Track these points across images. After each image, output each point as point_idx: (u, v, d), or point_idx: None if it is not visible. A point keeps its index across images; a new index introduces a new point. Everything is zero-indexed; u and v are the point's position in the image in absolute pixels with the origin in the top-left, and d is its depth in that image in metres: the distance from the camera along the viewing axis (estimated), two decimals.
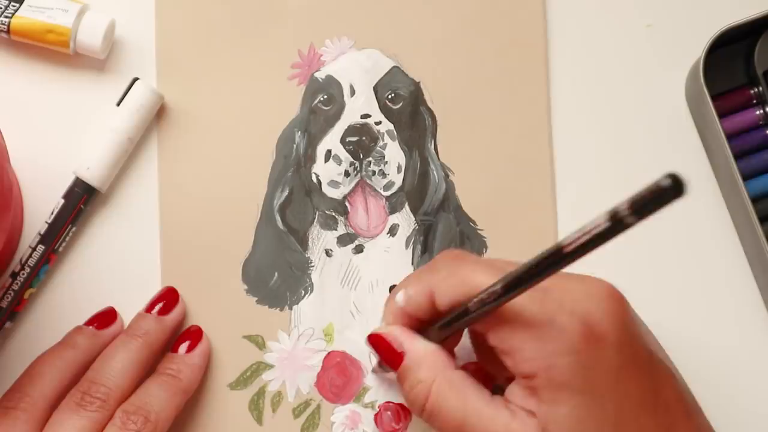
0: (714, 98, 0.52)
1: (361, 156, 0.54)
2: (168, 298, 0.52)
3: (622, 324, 0.42)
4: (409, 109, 0.55)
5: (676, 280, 0.54)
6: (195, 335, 0.52)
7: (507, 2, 0.56)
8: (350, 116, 0.55)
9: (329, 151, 0.54)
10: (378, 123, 0.54)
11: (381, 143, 0.54)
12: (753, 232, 0.52)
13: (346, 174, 0.54)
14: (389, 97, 0.55)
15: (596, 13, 0.56)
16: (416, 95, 0.55)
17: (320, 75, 0.55)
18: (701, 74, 0.52)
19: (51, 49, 0.54)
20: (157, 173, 0.54)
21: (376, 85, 0.55)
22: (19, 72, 0.55)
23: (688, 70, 0.55)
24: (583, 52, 0.56)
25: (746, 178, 0.53)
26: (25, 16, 0.53)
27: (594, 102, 0.55)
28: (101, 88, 0.55)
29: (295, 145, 0.55)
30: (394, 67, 0.55)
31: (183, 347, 0.52)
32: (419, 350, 0.46)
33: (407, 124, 0.55)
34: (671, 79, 0.56)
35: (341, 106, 0.55)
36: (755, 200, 0.52)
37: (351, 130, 0.54)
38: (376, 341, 0.47)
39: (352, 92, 0.55)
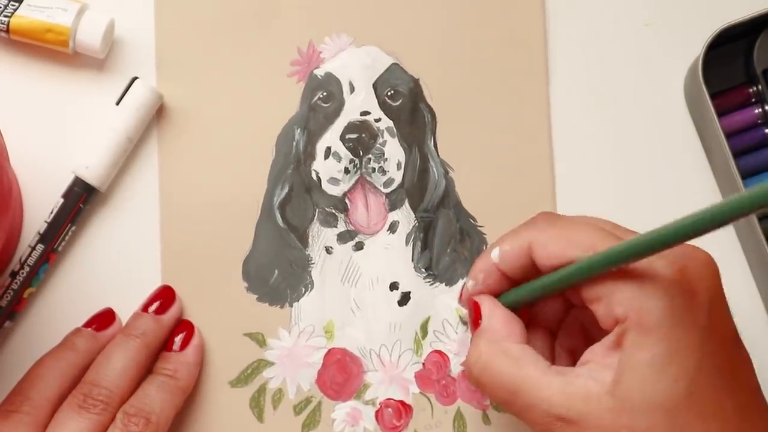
0: (713, 97, 0.52)
1: (361, 153, 0.54)
2: (164, 297, 0.52)
3: (716, 290, 0.41)
4: (408, 106, 0.55)
5: None
6: (187, 327, 0.52)
7: (504, 2, 0.56)
8: (350, 113, 0.55)
9: (329, 149, 0.54)
10: (377, 120, 0.54)
11: (381, 140, 0.54)
12: (752, 231, 0.52)
13: (346, 171, 0.54)
14: (389, 94, 0.55)
15: (596, 12, 0.56)
16: (416, 92, 0.55)
17: (319, 72, 0.55)
18: (700, 73, 0.52)
19: (50, 48, 0.54)
20: (157, 172, 0.54)
21: (375, 82, 0.55)
22: (19, 71, 0.55)
23: (687, 68, 0.55)
24: (582, 50, 0.56)
25: (745, 176, 0.53)
26: (25, 16, 0.53)
27: (593, 100, 0.56)
28: (101, 88, 0.55)
29: (294, 143, 0.55)
30: (393, 63, 0.55)
31: (177, 342, 0.52)
32: (493, 320, 0.45)
33: (407, 121, 0.55)
34: (670, 77, 0.56)
35: (341, 103, 0.55)
36: None
37: (350, 127, 0.54)
38: (470, 307, 0.47)
39: (352, 89, 0.55)
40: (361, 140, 0.54)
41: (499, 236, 0.47)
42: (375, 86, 0.55)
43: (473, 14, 0.55)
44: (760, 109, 0.55)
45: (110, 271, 0.54)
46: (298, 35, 0.55)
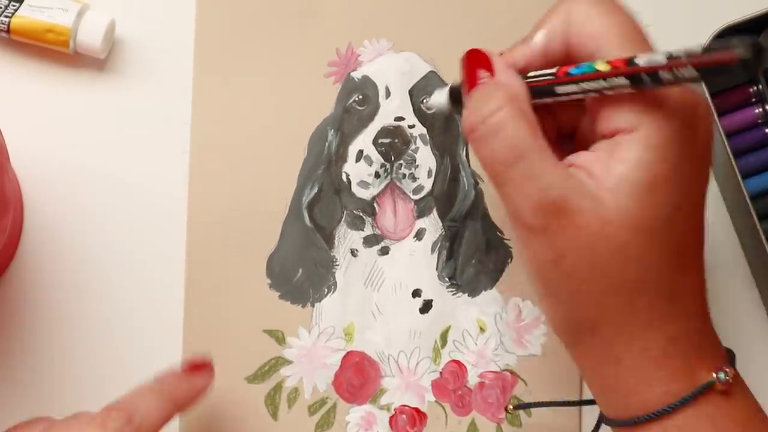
0: (713, 96, 0.52)
1: (393, 158, 0.54)
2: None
3: (711, 125, 0.41)
4: (443, 114, 0.55)
5: None
6: (208, 368, 0.50)
7: (544, 11, 0.56)
8: (384, 118, 0.55)
9: (361, 152, 0.54)
10: (411, 126, 0.55)
11: (413, 147, 0.54)
12: (752, 230, 0.52)
13: (377, 175, 0.54)
14: (424, 101, 0.55)
15: None
16: None
17: (357, 75, 0.55)
18: None
19: (51, 48, 0.54)
20: (188, 164, 0.54)
21: (411, 88, 0.55)
22: (19, 72, 0.55)
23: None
24: None
25: (746, 176, 0.53)
26: (25, 16, 0.53)
27: None
28: (101, 88, 0.55)
29: (327, 143, 0.55)
30: (430, 71, 0.55)
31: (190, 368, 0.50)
32: (511, 78, 0.42)
33: (440, 129, 0.55)
34: None
35: (376, 107, 0.55)
36: (754, 198, 0.53)
37: (384, 131, 0.54)
38: (472, 55, 0.43)
39: (388, 94, 0.55)
40: (393, 145, 0.54)
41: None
42: (411, 92, 0.55)
43: (512, 28, 0.55)
44: (761, 109, 0.55)
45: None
46: (337, 37, 0.55)
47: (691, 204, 0.41)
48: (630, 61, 0.38)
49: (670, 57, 0.37)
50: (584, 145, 0.42)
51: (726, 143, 0.51)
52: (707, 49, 0.36)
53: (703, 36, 0.52)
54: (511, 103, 0.40)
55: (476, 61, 0.42)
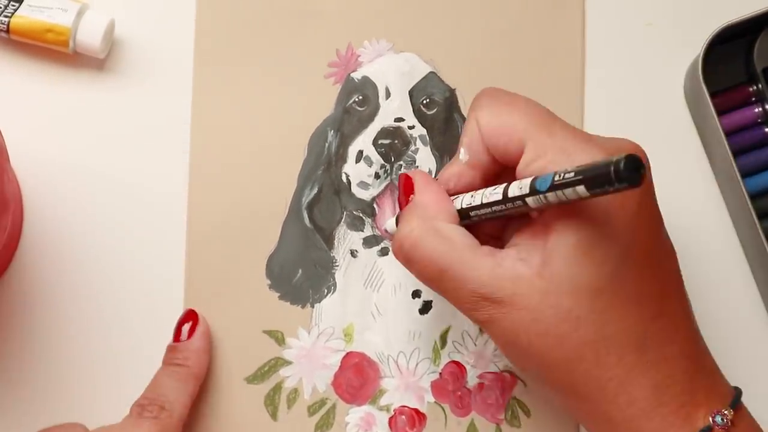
0: (713, 96, 0.52)
1: (392, 159, 0.54)
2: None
3: (647, 178, 0.42)
4: (443, 115, 0.55)
5: None
6: (192, 316, 0.52)
7: (545, 13, 0.56)
8: (384, 118, 0.55)
9: (361, 152, 0.54)
10: (411, 127, 0.55)
11: (413, 147, 0.54)
12: (752, 229, 0.52)
13: (377, 176, 0.54)
14: (424, 102, 0.55)
15: (596, 12, 0.56)
16: (451, 102, 0.55)
17: (357, 75, 0.55)
18: (700, 72, 0.52)
19: (50, 48, 0.54)
20: (188, 164, 0.54)
21: (411, 89, 0.55)
22: (19, 71, 0.55)
23: (687, 67, 0.55)
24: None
25: (745, 175, 0.53)
26: (25, 16, 0.53)
27: (593, 99, 0.56)
28: (101, 88, 0.55)
29: (327, 144, 0.55)
30: (430, 72, 0.55)
31: (184, 332, 0.52)
32: (425, 196, 0.45)
33: (440, 130, 0.55)
34: (670, 76, 0.56)
35: (376, 108, 0.55)
36: (754, 197, 0.53)
37: (384, 132, 0.54)
38: (401, 181, 0.46)
39: (388, 95, 0.55)
40: (393, 146, 0.54)
41: None
42: (411, 93, 0.55)
43: (513, 28, 0.56)
44: (760, 108, 0.55)
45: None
46: (337, 37, 0.55)
47: (639, 254, 0.41)
48: (522, 200, 0.40)
49: (553, 185, 0.38)
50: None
51: (726, 143, 0.51)
52: (587, 169, 0.37)
53: (702, 36, 0.52)
54: (423, 222, 0.43)
55: (405, 186, 0.46)
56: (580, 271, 0.40)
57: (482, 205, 0.43)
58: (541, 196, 0.39)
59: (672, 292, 0.42)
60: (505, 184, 0.42)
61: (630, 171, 0.35)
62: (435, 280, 0.43)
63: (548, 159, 0.41)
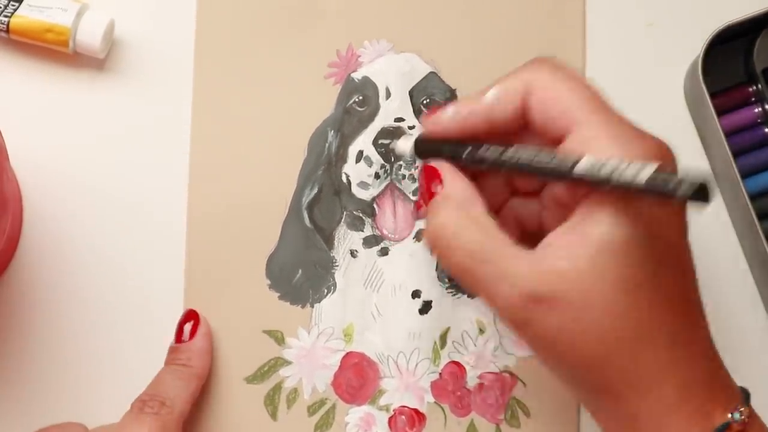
0: (713, 96, 0.53)
1: (392, 159, 0.54)
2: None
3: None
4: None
5: None
6: (193, 316, 0.52)
7: (546, 13, 0.56)
8: (384, 119, 0.55)
9: (361, 152, 0.54)
10: (411, 127, 0.55)
11: None
12: (752, 230, 0.52)
13: (377, 176, 0.54)
14: (424, 102, 0.55)
15: (596, 12, 0.56)
16: (451, 102, 0.55)
17: (357, 75, 0.55)
18: (700, 72, 0.52)
19: (50, 48, 0.54)
20: (188, 164, 0.54)
21: (412, 89, 0.55)
22: (19, 71, 0.55)
23: (687, 67, 0.55)
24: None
25: (745, 175, 0.53)
26: (25, 16, 0.53)
27: None
28: (100, 88, 0.55)
29: (327, 144, 0.55)
30: (431, 72, 0.55)
31: (186, 332, 0.52)
32: (457, 186, 0.43)
33: None
34: (670, 76, 0.56)
35: (376, 108, 0.55)
36: (754, 198, 0.53)
37: (384, 132, 0.54)
38: (425, 171, 0.45)
39: (388, 95, 0.55)
40: (393, 147, 0.54)
41: None
42: (411, 93, 0.55)
43: (513, 29, 0.56)
44: (760, 108, 0.55)
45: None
46: (337, 38, 0.55)
47: (674, 257, 0.41)
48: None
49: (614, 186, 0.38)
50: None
51: (726, 143, 0.51)
52: (652, 179, 0.37)
53: (703, 36, 0.52)
54: (459, 213, 0.42)
55: (430, 176, 0.44)
56: (625, 267, 0.39)
57: (528, 165, 0.41)
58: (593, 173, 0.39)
59: (694, 290, 0.42)
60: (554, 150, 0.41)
61: (699, 196, 0.36)
62: (471, 273, 0.41)
63: (602, 144, 0.40)
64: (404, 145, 0.47)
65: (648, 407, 0.41)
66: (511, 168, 0.42)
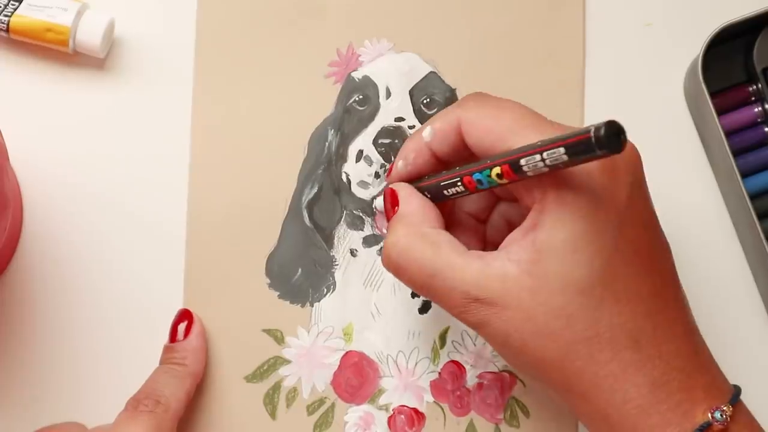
0: (713, 95, 0.53)
1: (393, 158, 0.54)
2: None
3: (638, 174, 0.42)
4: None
5: None
6: (187, 316, 0.53)
7: (546, 13, 0.56)
8: (384, 118, 0.55)
9: (361, 152, 0.54)
10: (411, 127, 0.55)
11: None
12: (752, 229, 0.52)
13: (377, 175, 0.54)
14: (424, 101, 0.55)
15: (597, 13, 0.56)
16: (452, 102, 0.55)
17: (357, 75, 0.55)
18: (700, 71, 0.52)
19: (50, 47, 0.54)
20: (188, 163, 0.54)
21: (412, 89, 0.55)
22: (19, 71, 0.55)
23: (687, 67, 0.55)
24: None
25: (745, 175, 0.54)
26: (25, 15, 0.53)
27: (593, 99, 0.56)
28: (101, 88, 0.55)
29: (327, 143, 0.55)
30: (431, 72, 0.55)
31: (180, 331, 0.52)
32: (409, 205, 0.46)
33: None
34: (670, 76, 0.56)
35: (376, 108, 0.55)
36: (754, 197, 0.53)
37: (384, 132, 0.55)
38: (386, 194, 0.47)
39: (388, 94, 0.55)
40: (393, 146, 0.54)
41: None
42: (411, 93, 0.55)
43: (513, 28, 0.56)
44: (760, 108, 0.55)
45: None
46: (338, 37, 0.56)
47: (630, 250, 0.41)
48: (515, 166, 0.40)
49: (540, 146, 0.39)
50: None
51: (726, 143, 0.51)
52: (566, 135, 0.38)
53: (702, 36, 0.52)
54: (409, 230, 0.44)
55: (390, 198, 0.47)
56: (570, 268, 0.40)
57: (458, 174, 0.44)
58: (523, 158, 0.40)
59: (667, 289, 0.42)
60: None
61: (610, 136, 0.36)
62: (425, 287, 0.44)
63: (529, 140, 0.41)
64: (379, 202, 0.51)
65: (617, 408, 0.41)
66: (442, 188, 0.45)
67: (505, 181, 0.41)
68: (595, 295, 0.40)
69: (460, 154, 0.45)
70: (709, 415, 0.40)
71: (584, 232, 0.40)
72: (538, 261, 0.40)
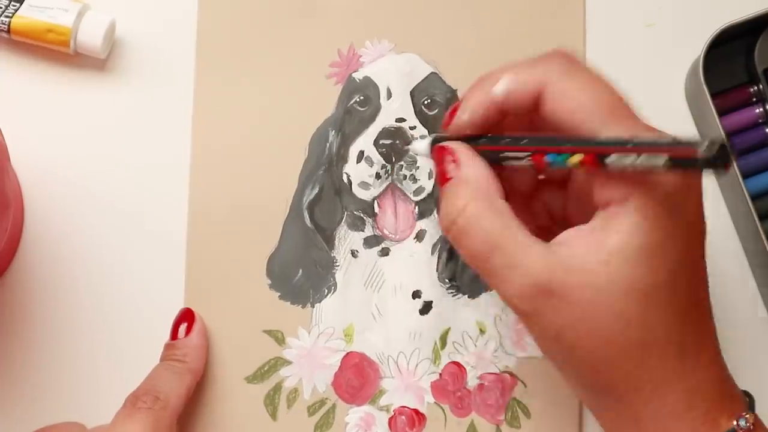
0: (714, 96, 0.53)
1: (393, 159, 0.54)
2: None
3: (701, 188, 0.41)
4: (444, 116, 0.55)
5: None
6: (188, 315, 0.52)
7: (546, 14, 0.56)
8: (385, 119, 0.55)
9: (362, 152, 0.54)
10: (412, 128, 0.55)
11: None
12: (753, 230, 0.52)
13: (377, 176, 0.54)
14: (425, 102, 0.55)
15: (597, 13, 0.56)
16: (452, 102, 0.55)
17: (358, 75, 0.55)
18: (701, 72, 0.52)
19: (51, 48, 0.54)
20: (188, 164, 0.54)
21: (413, 89, 0.55)
22: (20, 72, 0.55)
23: (688, 68, 0.55)
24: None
25: (746, 176, 0.54)
26: (26, 16, 0.53)
27: None
28: (101, 88, 0.55)
29: (328, 144, 0.55)
30: (432, 73, 0.55)
31: (181, 330, 0.52)
32: (476, 170, 0.42)
33: (441, 131, 0.55)
34: (671, 77, 0.56)
35: (377, 108, 0.55)
36: (755, 198, 0.53)
37: (385, 132, 0.54)
38: (440, 153, 0.44)
39: (389, 95, 0.55)
40: (394, 146, 0.54)
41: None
42: (412, 94, 0.55)
43: (514, 29, 0.56)
44: (761, 109, 0.55)
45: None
46: (339, 38, 0.56)
47: (689, 266, 0.41)
48: (602, 159, 0.39)
49: (637, 146, 0.38)
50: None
51: (727, 143, 0.51)
52: (673, 142, 0.37)
53: (703, 37, 0.52)
54: (477, 197, 0.41)
55: (446, 158, 0.43)
56: (639, 275, 0.39)
57: (530, 148, 0.41)
58: (615, 154, 0.38)
59: (706, 299, 0.43)
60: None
61: (719, 158, 0.36)
62: (484, 259, 0.41)
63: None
64: (420, 145, 0.46)
65: (651, 412, 0.41)
66: (529, 146, 0.41)
67: (580, 169, 0.40)
68: (655, 304, 0.40)
69: (528, 118, 0.42)
70: (734, 422, 0.40)
71: (658, 244, 0.39)
72: (608, 263, 0.39)
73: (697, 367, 0.41)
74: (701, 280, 0.42)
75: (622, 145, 0.38)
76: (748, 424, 0.40)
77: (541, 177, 0.47)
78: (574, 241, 0.40)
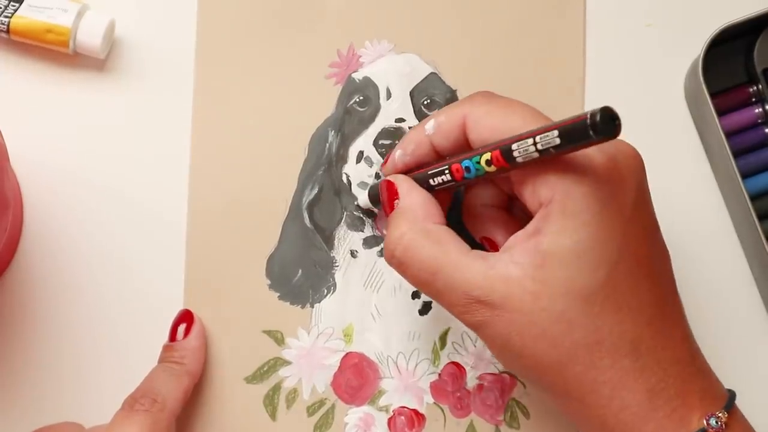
0: (713, 96, 0.53)
1: None
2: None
3: (642, 182, 0.42)
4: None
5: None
6: (187, 317, 0.52)
7: (546, 13, 0.56)
8: (385, 119, 0.55)
9: (361, 153, 0.54)
10: (412, 128, 0.54)
11: None
12: (752, 230, 0.52)
13: (377, 176, 0.54)
14: (425, 102, 0.55)
15: (597, 13, 0.56)
16: (452, 102, 0.55)
17: (358, 76, 0.55)
18: (700, 72, 0.52)
19: (51, 48, 0.54)
20: (188, 164, 0.54)
21: (412, 90, 0.55)
22: (19, 72, 0.55)
23: (688, 68, 0.55)
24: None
25: (745, 176, 0.54)
26: (25, 16, 0.53)
27: (593, 99, 0.56)
28: (101, 88, 0.55)
29: (327, 144, 0.55)
30: (431, 73, 0.55)
31: (180, 332, 0.52)
32: (412, 200, 0.45)
33: None
34: (671, 76, 0.56)
35: (376, 109, 0.55)
36: (754, 198, 0.53)
37: (384, 133, 0.54)
38: (384, 186, 0.47)
39: (389, 95, 0.55)
40: (394, 147, 0.54)
41: None
42: (412, 94, 0.55)
43: (513, 29, 0.56)
44: (761, 109, 0.55)
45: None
46: (338, 38, 0.56)
47: (633, 263, 0.41)
48: (506, 152, 0.41)
49: (532, 132, 0.40)
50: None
51: (726, 144, 0.51)
52: (561, 121, 0.38)
53: (703, 36, 0.52)
54: (412, 228, 0.44)
55: (390, 191, 0.46)
56: (574, 275, 0.40)
57: (446, 162, 0.44)
58: (515, 143, 0.40)
59: (666, 296, 0.43)
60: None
61: (606, 121, 0.36)
62: (428, 284, 0.43)
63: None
64: (363, 197, 0.52)
65: (614, 414, 0.41)
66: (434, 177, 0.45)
67: (493, 168, 0.42)
68: (597, 302, 0.40)
69: (461, 150, 0.45)
70: (704, 421, 0.40)
71: (589, 241, 0.40)
72: (542, 266, 0.40)
73: (656, 365, 0.41)
74: (655, 276, 0.42)
75: (517, 136, 0.40)
76: (719, 423, 0.40)
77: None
78: (515, 247, 0.42)
